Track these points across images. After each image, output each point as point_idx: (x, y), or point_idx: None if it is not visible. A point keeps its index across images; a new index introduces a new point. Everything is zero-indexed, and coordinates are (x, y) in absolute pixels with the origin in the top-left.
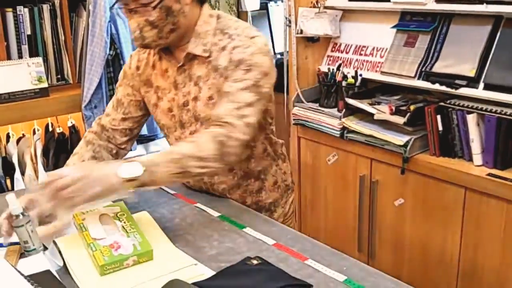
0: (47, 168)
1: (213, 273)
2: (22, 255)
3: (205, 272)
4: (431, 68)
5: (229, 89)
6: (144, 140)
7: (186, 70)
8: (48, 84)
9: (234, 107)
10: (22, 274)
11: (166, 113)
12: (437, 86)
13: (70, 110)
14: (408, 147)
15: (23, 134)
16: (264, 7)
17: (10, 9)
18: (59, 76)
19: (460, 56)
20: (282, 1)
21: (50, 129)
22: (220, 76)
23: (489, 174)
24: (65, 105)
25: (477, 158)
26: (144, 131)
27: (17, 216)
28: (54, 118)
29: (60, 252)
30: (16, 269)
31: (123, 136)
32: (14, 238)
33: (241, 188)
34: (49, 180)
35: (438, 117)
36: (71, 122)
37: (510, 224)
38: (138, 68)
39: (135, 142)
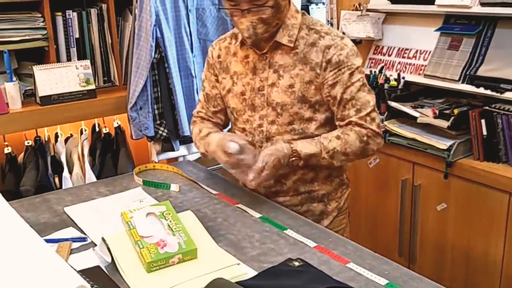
0: (93, 168)
1: (255, 273)
2: (72, 251)
3: (247, 272)
4: (475, 71)
5: (347, 96)
6: (187, 140)
7: (268, 58)
8: (96, 86)
9: (364, 113)
10: (75, 269)
11: (239, 96)
12: (481, 90)
13: (116, 111)
14: (452, 151)
15: (71, 134)
16: (305, 9)
17: (60, 13)
18: (105, 78)
19: (505, 60)
20: (323, 4)
21: (97, 129)
22: (311, 70)
23: None
24: (111, 107)
25: None
26: (188, 132)
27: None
28: (101, 119)
29: (109, 248)
30: (69, 264)
31: (223, 121)
32: (63, 235)
33: (297, 174)
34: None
35: (483, 121)
36: (117, 123)
37: None
38: (219, 56)
39: (178, 143)
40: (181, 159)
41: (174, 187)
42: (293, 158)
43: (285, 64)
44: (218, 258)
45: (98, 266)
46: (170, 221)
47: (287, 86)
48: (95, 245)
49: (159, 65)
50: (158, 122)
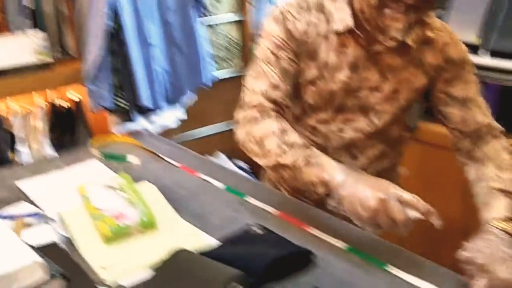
0: (51, 142)
1: (218, 242)
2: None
3: (209, 242)
4: None
5: (472, 95)
6: (147, 112)
7: (374, 54)
8: (51, 57)
9: (488, 111)
10: (29, 245)
11: (324, 95)
12: None
13: (73, 83)
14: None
15: (26, 108)
16: None
17: None
18: (62, 50)
19: (463, 24)
20: None
21: (54, 103)
22: (424, 74)
23: None
24: (68, 79)
25: None
26: (148, 103)
27: None
28: (58, 92)
29: (65, 223)
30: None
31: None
32: (16, 210)
33: None
34: None
35: None
36: (75, 96)
37: None
38: (306, 32)
39: (139, 114)
40: (142, 131)
41: (134, 159)
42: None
43: (394, 64)
44: (180, 229)
45: (54, 242)
46: (129, 193)
47: (392, 92)
48: (51, 220)
49: (116, 34)
50: (117, 93)
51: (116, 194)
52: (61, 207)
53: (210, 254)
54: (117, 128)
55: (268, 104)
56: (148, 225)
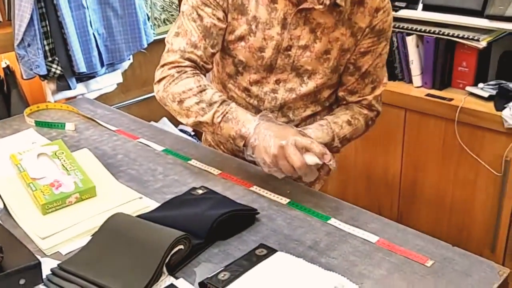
0: None
1: (159, 205)
2: None
3: (150, 205)
4: None
5: (371, 69)
6: (84, 78)
7: (304, 11)
8: None
9: (378, 92)
10: None
11: (254, 51)
12: None
13: (3, 50)
14: None
15: None
16: None
17: None
18: None
19: None
20: None
21: None
22: (351, 35)
23: (428, 95)
24: None
25: (417, 80)
26: (83, 68)
27: None
28: None
29: None
30: None
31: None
32: None
33: None
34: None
35: None
36: (5, 63)
37: (448, 142)
38: None
39: (75, 80)
40: (79, 97)
41: (69, 126)
42: None
43: (325, 23)
44: (118, 194)
45: None
46: (64, 160)
47: (322, 52)
48: None
49: None
50: (50, 59)
51: (50, 162)
52: None
53: (151, 217)
54: (53, 95)
55: (187, 63)
56: (85, 192)
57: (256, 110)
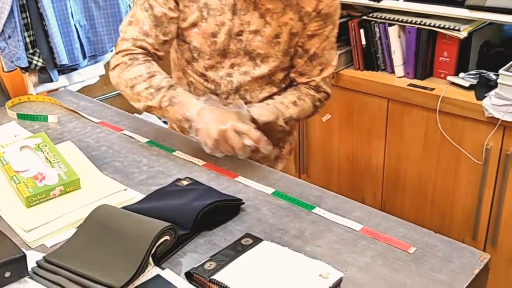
0: None
1: (143, 197)
2: None
3: (135, 197)
4: None
5: (319, 52)
6: (66, 70)
7: None
8: None
9: (326, 74)
10: None
11: (207, 37)
12: (359, 0)
13: None
14: None
15: None
16: None
17: None
18: None
19: None
20: None
21: None
22: (299, 19)
23: (410, 85)
24: None
25: (399, 70)
26: (65, 60)
27: None
28: None
29: None
30: None
31: (158, 65)
32: None
33: None
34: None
35: (361, 31)
36: None
37: (430, 131)
38: None
39: (57, 73)
40: (61, 90)
41: (52, 119)
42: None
43: (274, 9)
44: (103, 186)
45: None
46: (48, 153)
47: (273, 36)
48: None
49: None
50: (31, 51)
51: (33, 154)
52: None
53: (136, 208)
54: (34, 88)
55: (139, 50)
56: (69, 184)
57: (214, 94)
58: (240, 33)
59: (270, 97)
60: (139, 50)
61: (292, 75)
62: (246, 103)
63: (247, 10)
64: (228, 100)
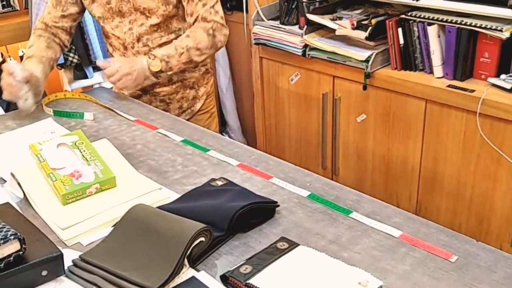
0: (1, 101)
1: (179, 196)
2: None
3: (170, 196)
4: None
5: None
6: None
7: None
8: None
9: (208, 6)
10: None
11: (104, 5)
12: None
13: (19, 38)
14: (370, 62)
15: None
16: None
17: None
18: (4, 3)
19: None
20: None
21: (0, 59)
22: None
23: (449, 86)
24: (13, 33)
25: (438, 70)
26: (100, 57)
27: None
28: (4, 48)
29: (19, 184)
30: None
31: (65, 34)
32: None
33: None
34: (102, 65)
35: (399, 30)
36: (22, 51)
37: (469, 134)
38: None
39: (91, 69)
40: (96, 86)
41: (88, 116)
42: (151, 60)
43: None
44: (138, 185)
45: (8, 203)
46: (84, 151)
47: None
48: (4, 181)
49: None
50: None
51: (70, 152)
52: (15, 168)
53: (172, 208)
54: (69, 85)
55: (40, 25)
56: (105, 182)
57: (124, 45)
58: None
59: (169, 42)
60: (41, 25)
61: (187, 19)
62: (149, 50)
63: None
64: (134, 48)
